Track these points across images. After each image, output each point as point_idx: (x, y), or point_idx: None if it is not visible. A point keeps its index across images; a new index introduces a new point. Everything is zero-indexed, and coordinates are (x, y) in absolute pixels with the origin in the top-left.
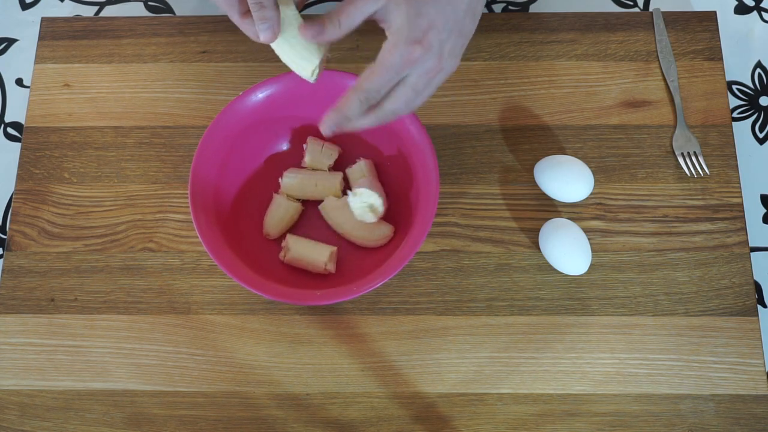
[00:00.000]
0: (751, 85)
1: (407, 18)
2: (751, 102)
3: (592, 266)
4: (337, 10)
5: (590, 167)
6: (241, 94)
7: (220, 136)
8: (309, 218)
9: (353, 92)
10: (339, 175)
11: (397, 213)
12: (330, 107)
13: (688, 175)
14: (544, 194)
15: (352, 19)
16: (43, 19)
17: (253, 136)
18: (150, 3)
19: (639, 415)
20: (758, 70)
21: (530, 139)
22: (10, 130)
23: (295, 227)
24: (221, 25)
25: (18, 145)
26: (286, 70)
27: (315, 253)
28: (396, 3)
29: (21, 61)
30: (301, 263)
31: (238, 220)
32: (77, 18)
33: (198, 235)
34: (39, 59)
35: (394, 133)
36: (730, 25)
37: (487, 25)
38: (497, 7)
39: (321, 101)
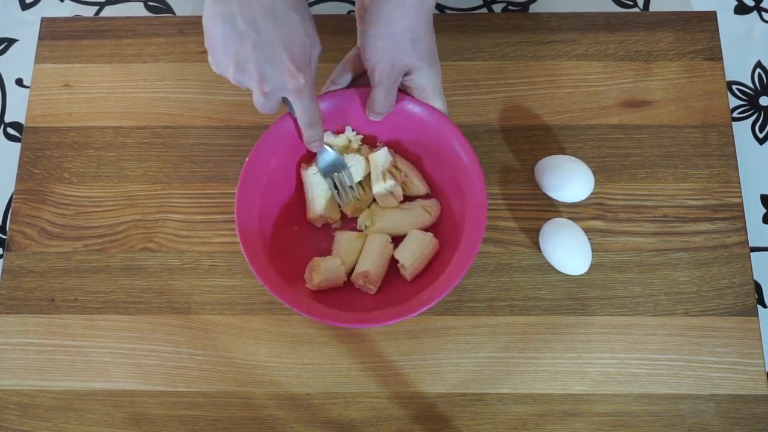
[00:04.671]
0: (751, 85)
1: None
2: (751, 102)
3: (592, 266)
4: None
5: (590, 167)
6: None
7: (260, 165)
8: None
9: None
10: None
11: (443, 226)
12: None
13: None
14: (544, 194)
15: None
16: (43, 19)
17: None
18: (150, 3)
19: (639, 415)
20: (758, 70)
21: (530, 139)
22: (10, 130)
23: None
24: None
25: (18, 145)
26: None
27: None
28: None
29: (21, 61)
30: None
31: (281, 242)
32: (77, 18)
33: (259, 281)
34: (39, 59)
35: (448, 161)
36: (730, 25)
37: (487, 25)
38: (497, 7)
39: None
